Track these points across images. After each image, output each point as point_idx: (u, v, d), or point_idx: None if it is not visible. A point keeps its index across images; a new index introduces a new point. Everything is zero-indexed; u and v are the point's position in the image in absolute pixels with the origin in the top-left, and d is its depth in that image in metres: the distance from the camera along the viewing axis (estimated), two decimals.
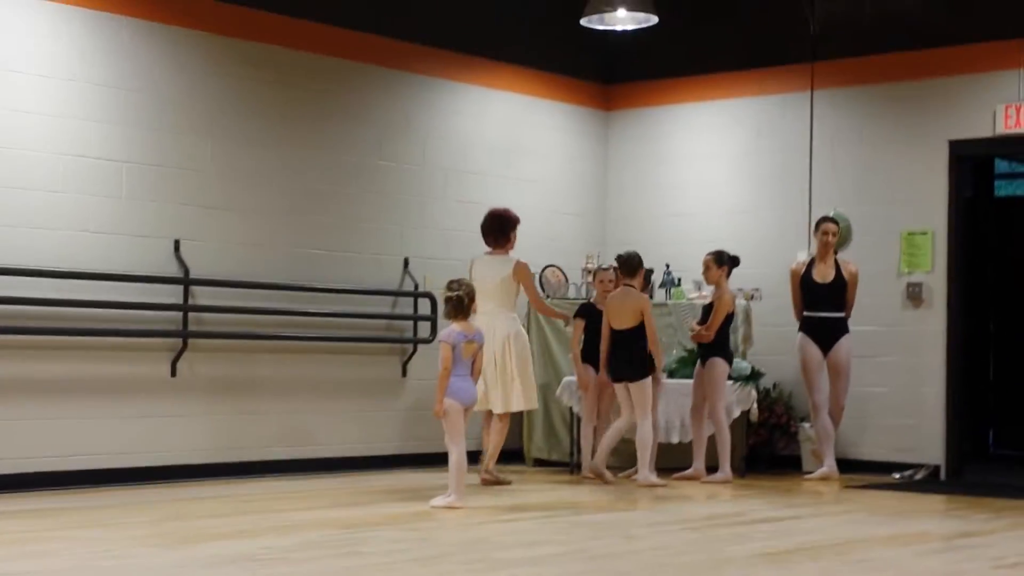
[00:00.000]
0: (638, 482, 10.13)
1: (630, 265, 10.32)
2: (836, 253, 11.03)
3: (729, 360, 10.72)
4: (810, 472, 11.02)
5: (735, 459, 10.87)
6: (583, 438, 10.69)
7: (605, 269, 10.72)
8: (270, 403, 10.50)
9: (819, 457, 10.96)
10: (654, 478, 10.12)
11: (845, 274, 10.92)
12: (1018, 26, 11.04)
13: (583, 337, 10.56)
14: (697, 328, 10.71)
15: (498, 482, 9.99)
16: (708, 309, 10.76)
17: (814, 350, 10.87)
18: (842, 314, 10.91)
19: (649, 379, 10.07)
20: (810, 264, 11.00)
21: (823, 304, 10.89)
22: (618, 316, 10.21)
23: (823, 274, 10.92)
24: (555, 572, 6.38)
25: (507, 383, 9.93)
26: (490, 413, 10.07)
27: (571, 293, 11.90)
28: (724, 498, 9.62)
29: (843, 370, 10.90)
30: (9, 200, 9.12)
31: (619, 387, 10.24)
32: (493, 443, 10.05)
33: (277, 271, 10.52)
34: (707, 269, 10.76)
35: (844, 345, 10.89)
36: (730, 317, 10.74)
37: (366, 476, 10.53)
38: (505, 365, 9.94)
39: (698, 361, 10.79)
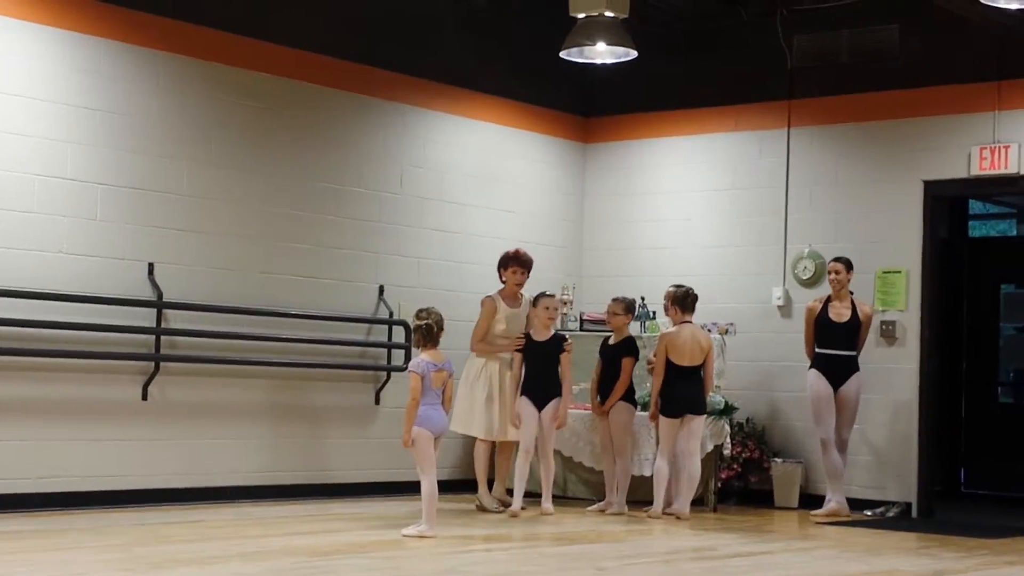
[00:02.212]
0: (682, 515, 10.26)
1: (688, 301, 10.47)
2: (852, 293, 11.03)
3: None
4: (817, 509, 10.92)
5: (707, 493, 10.93)
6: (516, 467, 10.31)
7: (550, 295, 10.45)
8: (242, 428, 10.44)
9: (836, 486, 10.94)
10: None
11: (860, 315, 10.96)
12: (994, 69, 11.12)
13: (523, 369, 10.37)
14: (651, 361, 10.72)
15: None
16: None
17: (825, 387, 10.89)
18: (854, 353, 10.96)
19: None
20: (827, 303, 11.02)
21: (837, 343, 10.92)
22: (690, 353, 10.37)
23: (839, 314, 10.95)
24: None
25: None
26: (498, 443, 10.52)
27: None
28: (695, 532, 9.60)
29: (851, 404, 10.94)
30: None
31: (674, 422, 10.36)
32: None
33: (251, 296, 10.49)
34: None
35: (855, 382, 10.93)
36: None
37: (338, 503, 10.48)
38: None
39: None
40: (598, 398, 10.70)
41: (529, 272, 10.58)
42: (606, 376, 10.67)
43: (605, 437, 10.70)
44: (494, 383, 10.35)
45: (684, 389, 10.42)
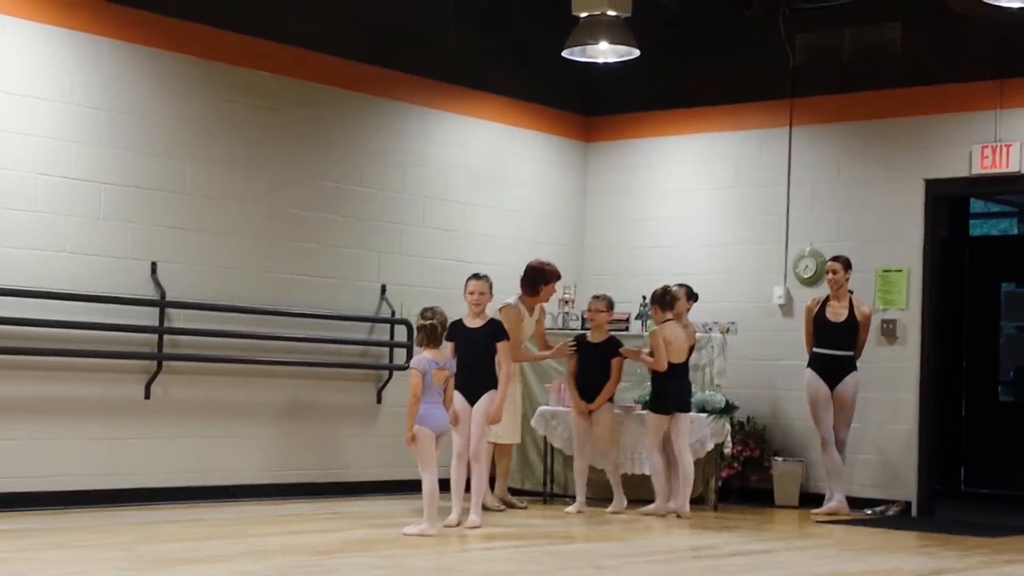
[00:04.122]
0: (683, 513, 10.30)
1: (668, 299, 10.52)
2: (851, 293, 11.04)
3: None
4: (817, 508, 10.94)
5: (708, 492, 10.99)
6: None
7: (479, 277, 9.52)
8: (244, 427, 10.47)
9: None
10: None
11: (858, 315, 10.95)
12: (995, 67, 11.13)
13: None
14: (650, 360, 10.69)
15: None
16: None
17: (821, 386, 10.90)
18: (851, 353, 10.95)
19: None
20: (825, 302, 11.03)
21: (833, 342, 10.92)
22: (678, 349, 10.44)
23: (836, 313, 10.96)
24: None
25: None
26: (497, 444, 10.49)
27: (547, 323, 11.90)
28: (696, 531, 9.62)
29: (848, 404, 10.94)
30: None
31: (664, 419, 10.41)
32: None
33: (254, 295, 10.51)
34: (676, 300, 10.81)
35: (851, 381, 10.93)
36: (690, 349, 10.80)
37: (339, 502, 10.51)
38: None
39: None
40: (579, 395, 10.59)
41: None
42: (589, 374, 10.57)
43: (583, 435, 10.65)
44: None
45: (675, 387, 10.47)
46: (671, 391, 10.46)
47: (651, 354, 10.46)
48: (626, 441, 10.91)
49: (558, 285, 11.13)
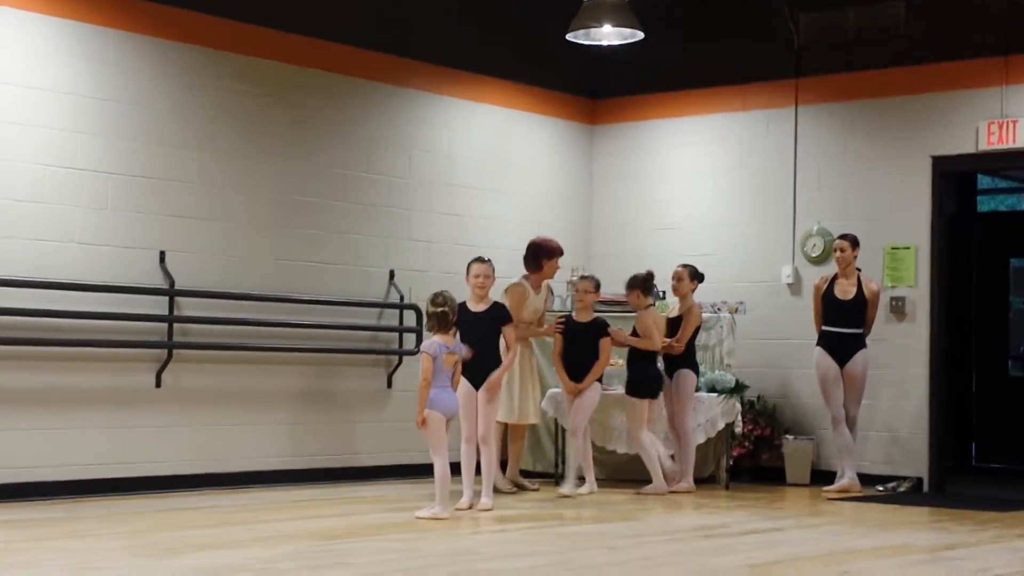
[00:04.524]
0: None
1: (649, 284, 10.65)
2: (859, 270, 11.04)
3: (697, 372, 10.81)
4: (829, 485, 10.95)
5: (719, 471, 11.05)
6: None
7: (483, 260, 9.57)
8: (255, 414, 10.50)
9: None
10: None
11: (866, 292, 10.94)
12: (1001, 43, 11.11)
13: None
14: (665, 341, 10.74)
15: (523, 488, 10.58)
16: (675, 322, 10.81)
17: (831, 364, 10.90)
18: (860, 330, 10.94)
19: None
20: (833, 280, 11.03)
21: (842, 320, 10.91)
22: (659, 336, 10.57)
23: (844, 291, 10.95)
24: None
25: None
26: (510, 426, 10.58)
27: (556, 305, 11.91)
28: (707, 510, 9.65)
29: (858, 381, 10.93)
30: None
31: (644, 403, 10.48)
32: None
33: (262, 282, 10.54)
34: (679, 280, 10.82)
35: (860, 358, 10.92)
36: (696, 330, 10.80)
37: (351, 487, 10.54)
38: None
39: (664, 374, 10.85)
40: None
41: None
42: (575, 354, 10.30)
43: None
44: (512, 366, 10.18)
45: (653, 370, 10.59)
46: (650, 375, 10.51)
47: (634, 335, 10.52)
48: (618, 423, 10.96)
49: (565, 267, 11.14)
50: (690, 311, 10.78)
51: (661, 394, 10.68)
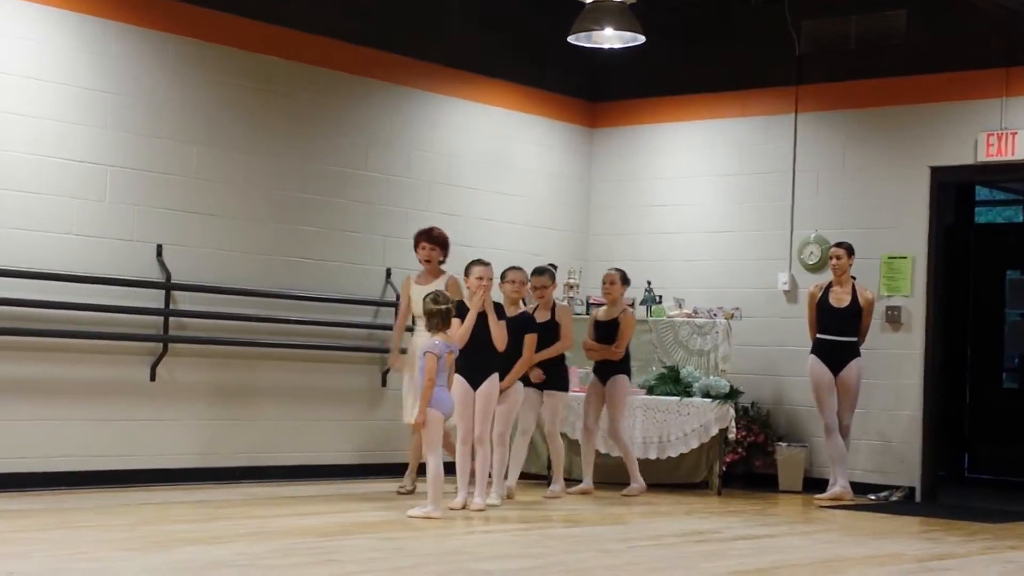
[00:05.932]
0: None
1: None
2: (854, 279, 11.03)
3: (629, 376, 10.81)
4: (821, 493, 10.95)
5: (712, 476, 11.05)
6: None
7: (484, 263, 9.45)
8: (249, 409, 10.50)
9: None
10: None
11: (861, 300, 10.94)
12: (1002, 55, 11.13)
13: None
14: (597, 345, 10.70)
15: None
16: (605, 326, 10.75)
17: (824, 371, 10.90)
18: (854, 339, 10.93)
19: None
20: (828, 288, 11.03)
21: (836, 328, 10.90)
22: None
23: (839, 299, 10.94)
24: None
25: None
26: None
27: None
28: (699, 515, 9.64)
29: (851, 389, 10.92)
30: None
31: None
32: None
33: (259, 278, 10.53)
34: (612, 284, 10.77)
35: (854, 366, 10.92)
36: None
37: (343, 484, 10.53)
38: None
39: (593, 377, 10.80)
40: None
41: (439, 248, 10.09)
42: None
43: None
44: None
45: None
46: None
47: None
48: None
49: (563, 268, 11.11)
50: (625, 314, 10.75)
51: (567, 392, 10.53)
